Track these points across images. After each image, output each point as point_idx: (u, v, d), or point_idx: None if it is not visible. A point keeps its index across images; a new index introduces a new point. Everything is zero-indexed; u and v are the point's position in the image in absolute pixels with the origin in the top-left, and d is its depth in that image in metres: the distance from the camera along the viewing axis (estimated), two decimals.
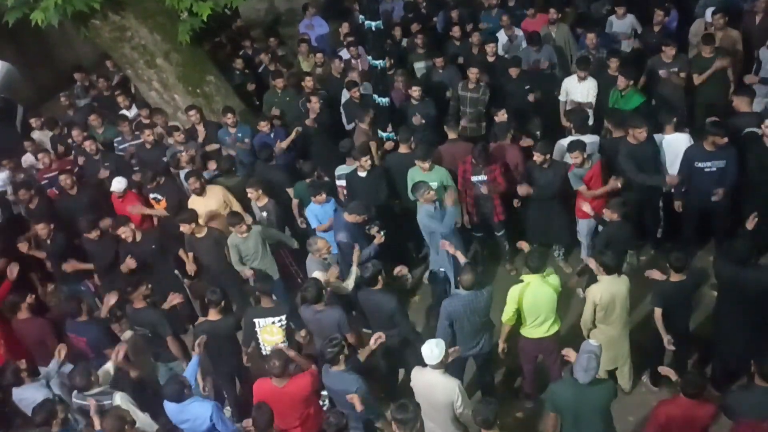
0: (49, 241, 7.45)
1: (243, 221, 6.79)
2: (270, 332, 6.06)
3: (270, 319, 6.02)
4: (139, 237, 7.15)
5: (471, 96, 8.41)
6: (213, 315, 6.02)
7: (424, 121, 8.19)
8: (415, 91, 8.30)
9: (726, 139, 6.52)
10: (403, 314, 6.01)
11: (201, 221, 7.22)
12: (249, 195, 7.28)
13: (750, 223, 6.22)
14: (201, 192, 7.39)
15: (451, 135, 7.72)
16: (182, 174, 7.93)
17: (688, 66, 8.22)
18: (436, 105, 8.55)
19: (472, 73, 8.31)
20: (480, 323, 5.75)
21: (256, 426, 4.98)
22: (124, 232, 7.07)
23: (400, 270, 6.65)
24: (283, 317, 5.99)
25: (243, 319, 6.18)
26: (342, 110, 8.98)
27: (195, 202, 7.42)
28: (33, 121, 9.72)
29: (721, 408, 4.83)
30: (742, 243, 5.66)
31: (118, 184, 7.67)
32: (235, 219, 6.80)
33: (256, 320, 6.07)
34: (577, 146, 6.82)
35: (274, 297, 6.17)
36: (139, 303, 6.25)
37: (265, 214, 7.31)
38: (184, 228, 6.99)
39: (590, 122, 8.22)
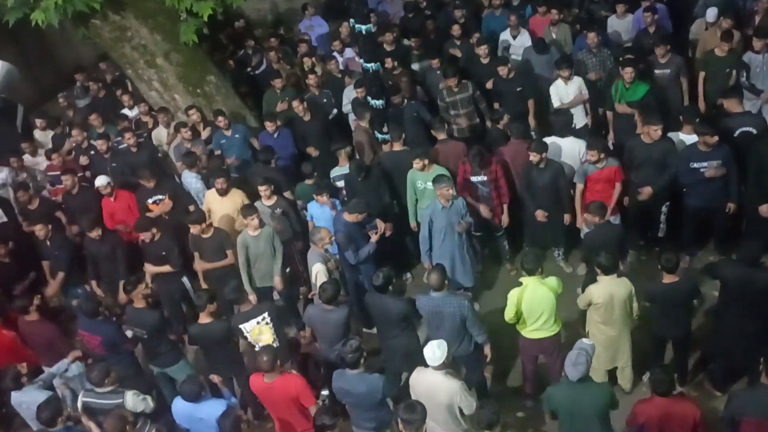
0: (48, 243, 7.45)
1: (257, 214, 6.75)
2: (260, 333, 6.04)
3: (254, 321, 6.00)
4: (158, 237, 7.11)
5: (460, 98, 8.40)
6: (203, 318, 6.03)
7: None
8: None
9: (716, 138, 6.51)
10: (410, 321, 6.02)
11: (215, 220, 7.25)
12: (261, 192, 7.22)
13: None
14: (225, 193, 7.37)
15: (440, 136, 7.73)
16: (189, 178, 7.96)
17: (682, 66, 8.23)
18: (431, 106, 8.56)
19: (450, 81, 8.29)
20: (449, 328, 5.72)
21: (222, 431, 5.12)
22: (146, 236, 7.04)
23: None
24: (265, 314, 5.98)
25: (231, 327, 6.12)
26: (351, 109, 8.99)
27: (214, 201, 7.43)
28: (38, 122, 9.69)
29: (726, 408, 4.84)
30: (753, 244, 5.62)
31: (101, 180, 7.68)
32: (249, 211, 6.77)
33: (241, 326, 6.04)
34: (596, 145, 6.81)
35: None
36: (139, 303, 6.24)
37: (278, 210, 7.28)
38: (194, 229, 6.96)
39: (585, 122, 8.27)
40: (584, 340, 5.02)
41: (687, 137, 6.93)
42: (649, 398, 4.87)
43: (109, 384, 5.51)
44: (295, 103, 8.51)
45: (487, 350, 5.94)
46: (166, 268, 7.06)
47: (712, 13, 8.67)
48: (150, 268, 7.09)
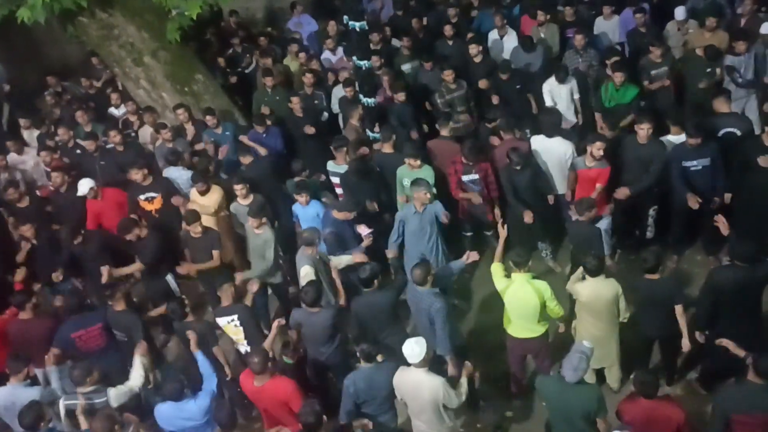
0: (35, 241, 7.37)
1: (266, 215, 6.82)
2: (231, 332, 6.12)
3: (225, 319, 6.06)
4: (144, 235, 7.08)
5: (458, 95, 8.40)
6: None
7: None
8: (400, 96, 8.27)
9: (699, 140, 6.55)
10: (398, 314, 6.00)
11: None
12: (236, 192, 7.26)
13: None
14: (205, 192, 7.43)
15: (444, 132, 7.70)
16: (176, 172, 7.91)
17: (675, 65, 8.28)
18: (421, 106, 8.55)
19: (447, 75, 8.31)
20: (422, 324, 5.73)
21: (219, 423, 5.09)
22: (134, 235, 7.02)
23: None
24: (235, 317, 6.01)
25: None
26: (338, 108, 8.97)
27: (196, 199, 7.46)
28: (22, 122, 9.58)
29: (714, 408, 4.87)
30: (747, 243, 5.57)
31: (83, 186, 7.62)
32: (253, 212, 6.78)
33: (217, 319, 6.14)
34: (598, 138, 6.82)
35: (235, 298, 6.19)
36: (119, 305, 6.20)
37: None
38: (187, 227, 6.93)
39: (575, 121, 8.30)
40: (584, 342, 4.99)
41: (675, 138, 6.95)
42: (635, 399, 4.88)
43: (91, 383, 5.47)
44: (294, 100, 8.47)
45: (449, 367, 5.39)
46: (137, 266, 7.03)
47: (680, 11, 8.75)
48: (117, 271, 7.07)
